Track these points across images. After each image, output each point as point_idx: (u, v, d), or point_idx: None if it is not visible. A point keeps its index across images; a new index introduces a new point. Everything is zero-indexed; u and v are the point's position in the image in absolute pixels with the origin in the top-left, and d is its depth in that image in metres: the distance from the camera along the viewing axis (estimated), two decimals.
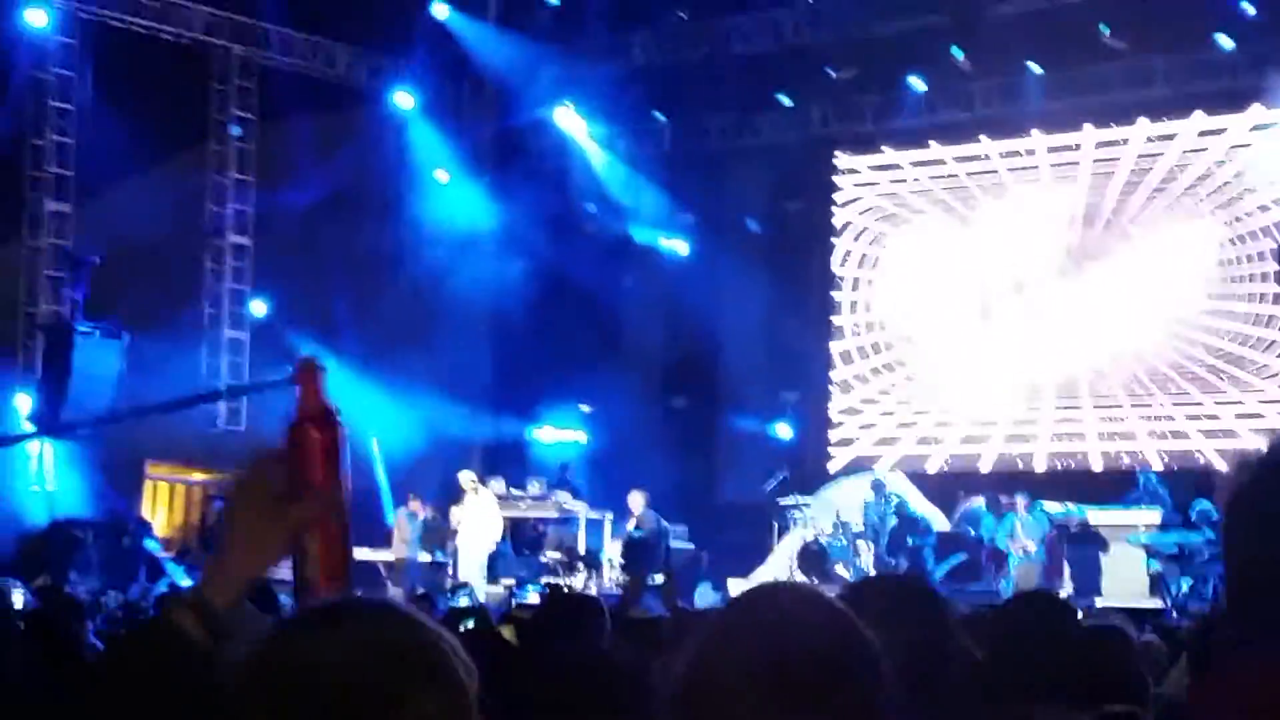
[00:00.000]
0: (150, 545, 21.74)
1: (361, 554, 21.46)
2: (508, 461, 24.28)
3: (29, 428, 21.78)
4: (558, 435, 25.20)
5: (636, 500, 22.09)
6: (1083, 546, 19.85)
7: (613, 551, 21.82)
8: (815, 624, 2.25)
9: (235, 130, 25.04)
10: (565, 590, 16.43)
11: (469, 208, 25.88)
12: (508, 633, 7.53)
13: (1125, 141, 24.01)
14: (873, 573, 20.31)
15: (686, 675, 2.23)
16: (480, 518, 21.65)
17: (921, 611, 3.33)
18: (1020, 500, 20.37)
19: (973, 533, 21.24)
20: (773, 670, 2.17)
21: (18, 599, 11.86)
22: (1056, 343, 23.99)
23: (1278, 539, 1.87)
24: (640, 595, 18.41)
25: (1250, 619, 1.92)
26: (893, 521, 21.85)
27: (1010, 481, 21.94)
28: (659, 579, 20.12)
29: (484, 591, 19.28)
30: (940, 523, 22.40)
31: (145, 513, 22.66)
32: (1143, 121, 23.83)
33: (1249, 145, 23.07)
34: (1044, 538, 20.00)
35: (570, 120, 25.91)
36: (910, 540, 21.36)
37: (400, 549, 22.11)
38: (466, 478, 22.06)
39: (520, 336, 25.14)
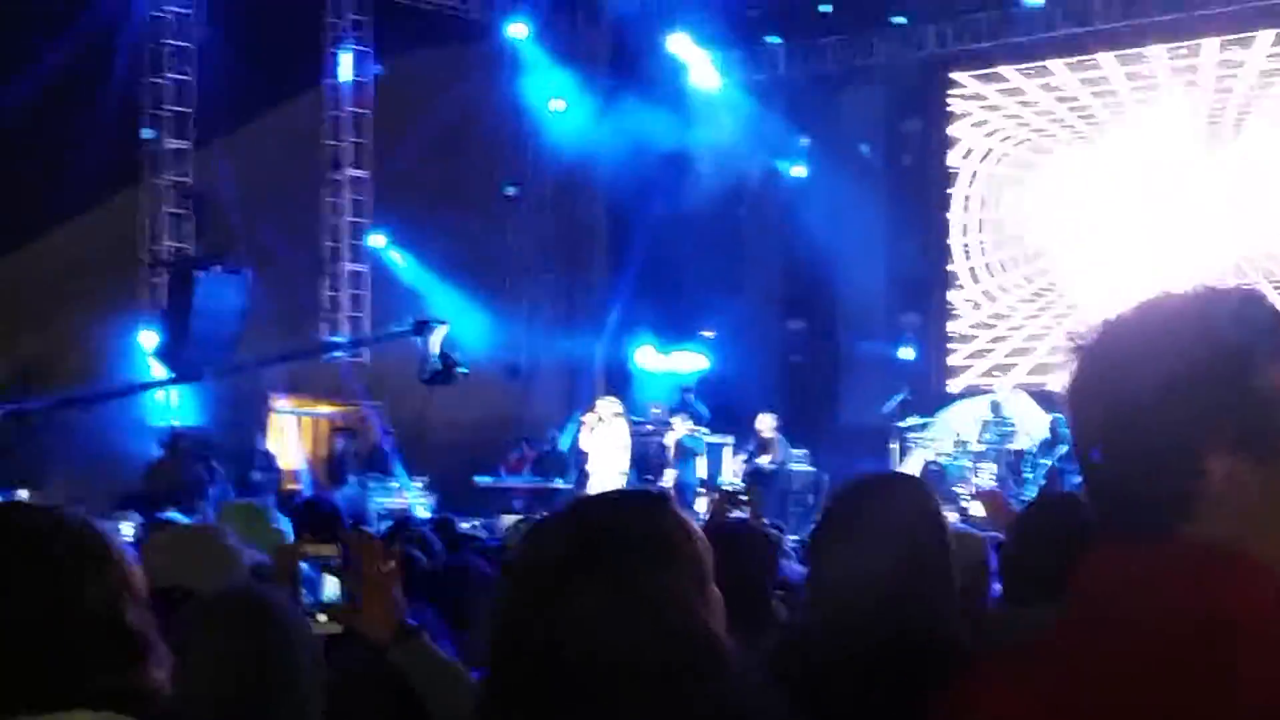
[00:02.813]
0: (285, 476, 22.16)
1: None
2: (623, 386, 24.31)
3: (156, 367, 22.03)
4: (677, 361, 25.15)
5: (766, 423, 22.11)
6: None
7: (730, 476, 21.83)
8: (623, 509, 2.58)
9: (351, 65, 25.17)
10: None
11: (585, 136, 25.89)
12: None
13: (1248, 46, 23.67)
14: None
15: (515, 553, 2.51)
16: (612, 445, 21.67)
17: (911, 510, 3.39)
18: None
19: None
20: (572, 544, 2.47)
21: (127, 530, 12.05)
22: (1181, 257, 23.68)
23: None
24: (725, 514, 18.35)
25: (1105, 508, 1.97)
26: (1033, 440, 21.81)
27: None
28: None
29: None
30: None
31: (271, 446, 22.92)
32: (1265, 34, 23.47)
33: None
34: None
35: (684, 46, 25.79)
36: (1047, 461, 21.27)
37: None
38: (609, 406, 22.06)
39: (637, 263, 25.14)
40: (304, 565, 3.45)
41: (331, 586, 3.38)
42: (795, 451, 22.38)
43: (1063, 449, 21.18)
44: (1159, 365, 1.87)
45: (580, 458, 22.13)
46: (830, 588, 3.32)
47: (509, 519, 17.18)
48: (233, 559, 4.59)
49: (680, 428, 22.68)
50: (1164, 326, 1.92)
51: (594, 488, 21.10)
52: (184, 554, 4.38)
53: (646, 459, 22.83)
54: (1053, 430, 21.68)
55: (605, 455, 21.46)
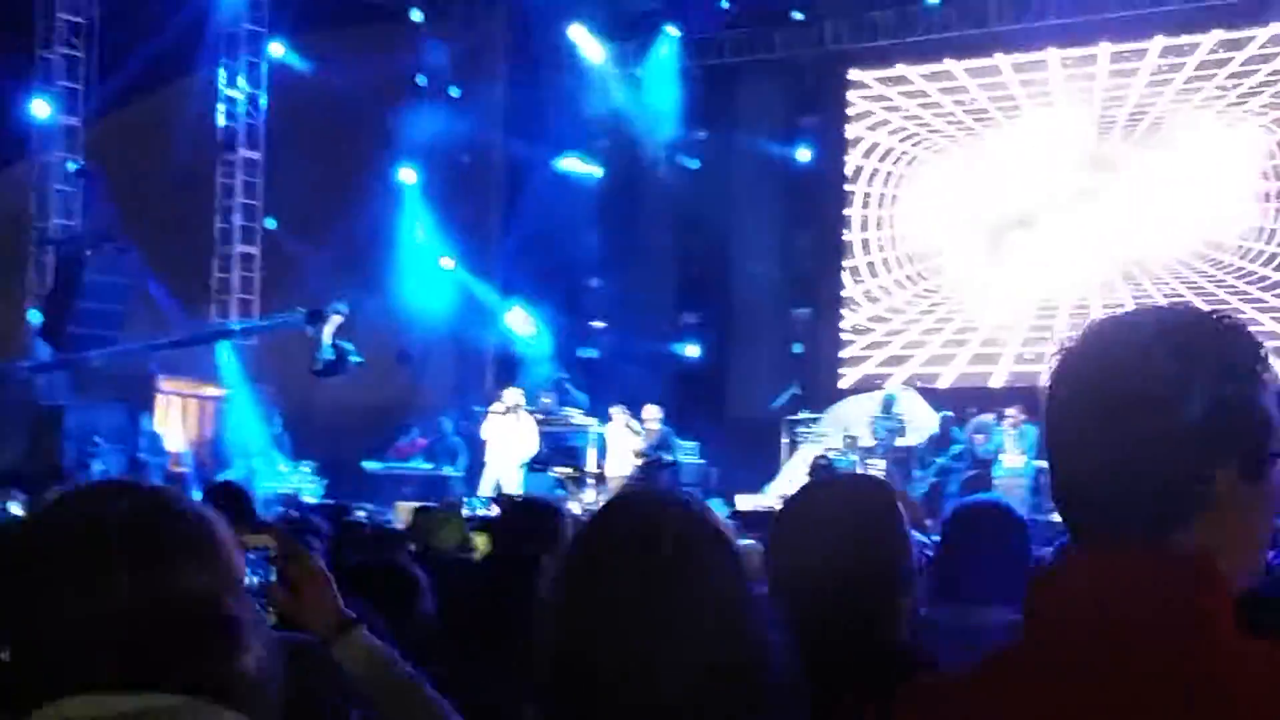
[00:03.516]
0: (171, 458, 21.97)
1: None
2: (513, 375, 24.20)
3: (41, 345, 21.77)
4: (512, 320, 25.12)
5: (651, 414, 22.10)
6: None
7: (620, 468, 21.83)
8: (670, 513, 2.53)
9: (245, 44, 24.92)
10: (520, 497, 16.44)
11: (482, 122, 25.83)
12: (482, 541, 7.64)
13: (1141, 54, 23.92)
14: None
15: (567, 554, 2.53)
16: (519, 436, 21.46)
17: (865, 511, 3.38)
18: (1015, 413, 20.51)
19: (981, 448, 21.22)
20: (635, 546, 2.46)
21: (16, 509, 11.86)
22: (1071, 258, 23.93)
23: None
24: None
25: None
26: (923, 437, 21.94)
27: (1022, 397, 21.89)
28: None
29: None
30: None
31: (158, 427, 22.70)
32: (1159, 38, 23.73)
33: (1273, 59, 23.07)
34: (1034, 453, 20.07)
35: (582, 35, 25.74)
36: (938, 459, 21.43)
37: None
38: (514, 395, 21.89)
39: (531, 252, 25.08)
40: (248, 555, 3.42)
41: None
42: (684, 444, 22.40)
43: (956, 448, 21.37)
44: (1179, 378, 1.95)
45: (478, 446, 21.97)
46: (785, 583, 3.32)
47: (405, 506, 17.07)
48: None
49: (573, 416, 22.76)
50: (1175, 341, 1.99)
51: (490, 477, 21.00)
52: None
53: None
54: (943, 428, 21.84)
55: (509, 445, 21.28)
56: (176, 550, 2.25)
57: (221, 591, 2.27)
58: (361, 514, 13.26)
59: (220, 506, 5.88)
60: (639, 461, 21.44)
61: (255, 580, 3.25)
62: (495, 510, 14.44)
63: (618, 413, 21.97)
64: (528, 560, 4.93)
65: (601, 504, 2.70)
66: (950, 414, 21.96)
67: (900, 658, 3.15)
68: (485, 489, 20.59)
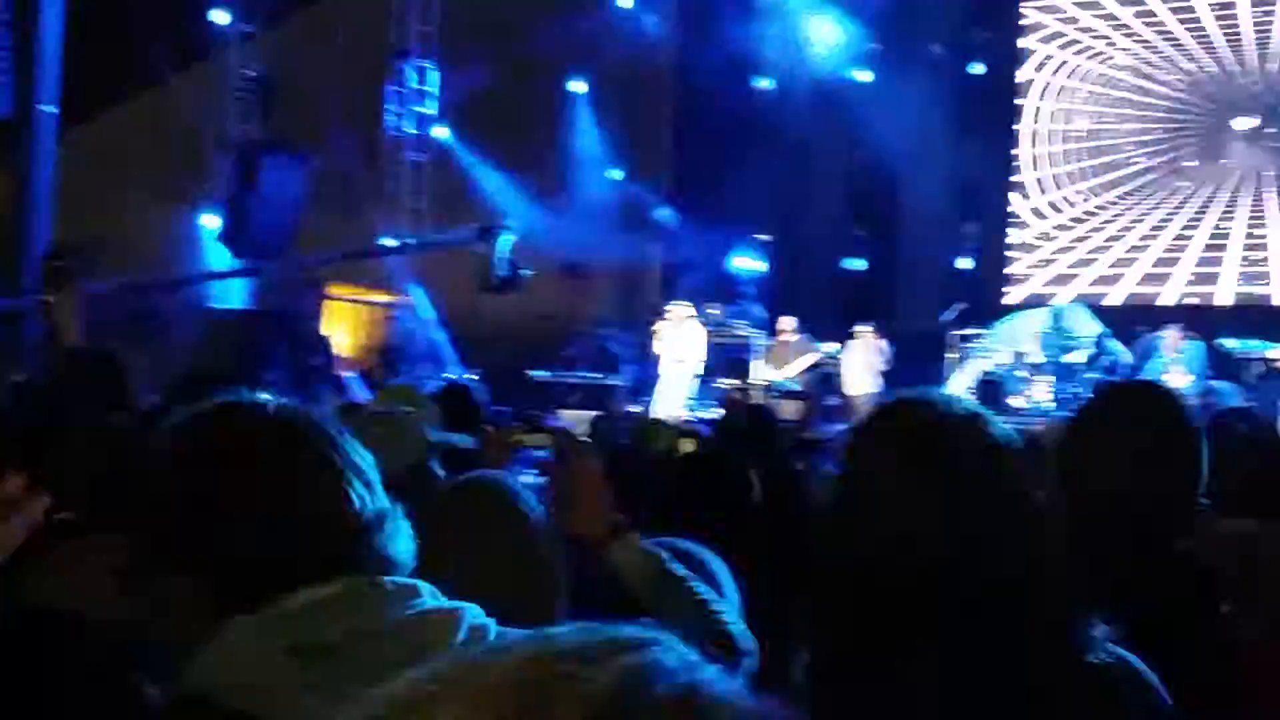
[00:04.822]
0: (339, 363, 22.20)
1: None
2: (679, 287, 24.22)
3: (218, 251, 22.03)
4: (741, 263, 25.06)
5: (787, 325, 22.22)
6: (1267, 382, 19.57)
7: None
8: (957, 417, 2.59)
9: None
10: (742, 402, 16.42)
11: (652, 35, 25.77)
12: (689, 444, 7.65)
13: None
14: (1050, 405, 20.37)
15: (843, 461, 2.61)
16: (688, 347, 21.47)
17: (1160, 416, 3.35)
18: (1174, 333, 20.24)
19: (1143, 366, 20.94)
20: (917, 452, 2.51)
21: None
22: (1246, 176, 23.53)
23: None
24: (815, 417, 18.39)
25: None
26: (1084, 355, 21.70)
27: (1192, 317, 21.62)
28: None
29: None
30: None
31: (325, 332, 22.96)
32: None
33: None
34: (1201, 372, 19.85)
35: None
36: (1093, 374, 21.21)
37: None
38: (682, 309, 21.95)
39: (701, 165, 25.04)
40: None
41: None
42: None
43: (1106, 360, 21.10)
44: None
45: (644, 357, 22.08)
46: (1078, 482, 3.30)
47: (581, 414, 17.15)
48: (420, 443, 4.59)
49: (739, 328, 22.75)
50: None
51: (664, 389, 21.06)
52: (375, 437, 4.38)
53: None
54: (1098, 344, 21.56)
55: (679, 357, 21.29)
56: (341, 462, 2.40)
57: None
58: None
59: (451, 409, 5.98)
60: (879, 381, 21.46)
61: (534, 480, 3.28)
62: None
63: (862, 331, 22.04)
64: (740, 458, 4.95)
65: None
66: (1108, 330, 21.70)
67: (1183, 566, 3.13)
68: (663, 401, 20.65)
